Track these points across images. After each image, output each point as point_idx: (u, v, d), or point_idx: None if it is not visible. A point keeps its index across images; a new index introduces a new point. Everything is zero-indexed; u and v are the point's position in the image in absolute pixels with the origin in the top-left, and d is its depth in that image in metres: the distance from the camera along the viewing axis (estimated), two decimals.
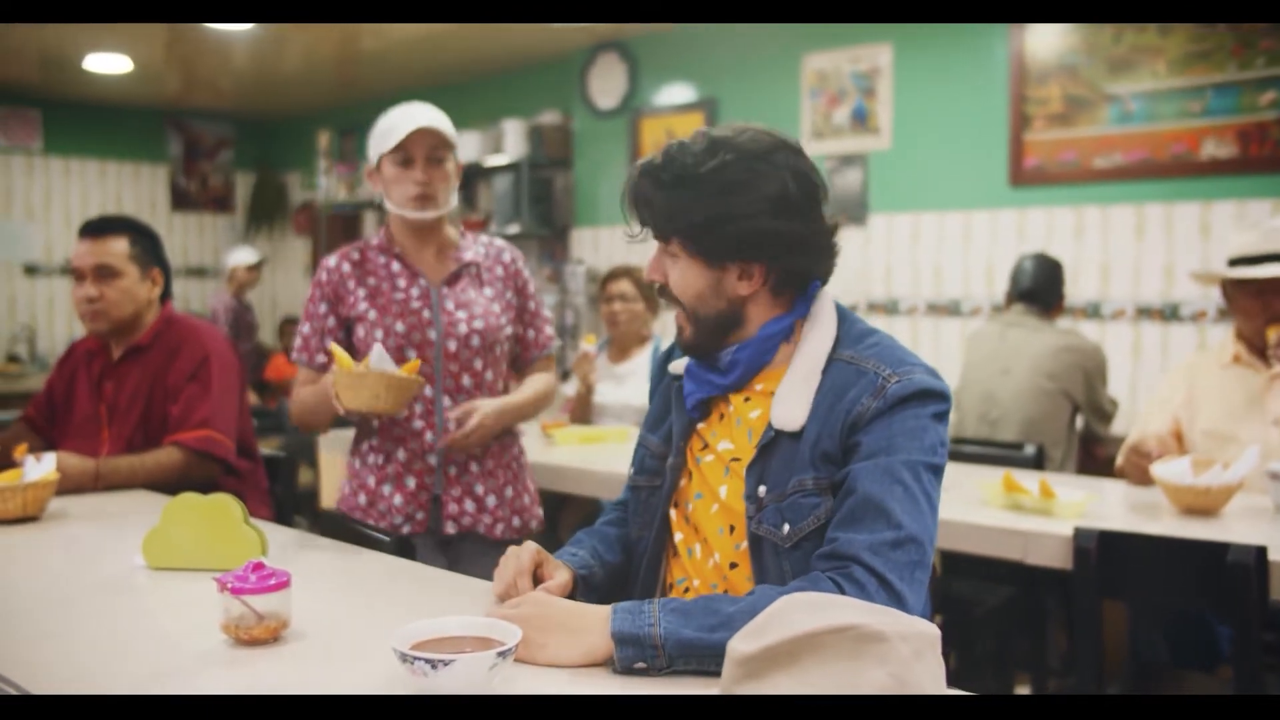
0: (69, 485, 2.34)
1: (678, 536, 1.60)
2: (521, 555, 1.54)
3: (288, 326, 7.31)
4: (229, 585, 1.38)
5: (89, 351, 2.80)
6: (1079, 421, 3.56)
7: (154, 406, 2.64)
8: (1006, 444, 3.29)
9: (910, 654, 0.94)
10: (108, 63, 6.53)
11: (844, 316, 1.55)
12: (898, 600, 1.31)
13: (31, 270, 7.63)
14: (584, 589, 1.58)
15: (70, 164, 7.89)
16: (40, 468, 2.23)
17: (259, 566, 1.42)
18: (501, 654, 1.16)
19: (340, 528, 2.15)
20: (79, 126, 7.87)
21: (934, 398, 1.43)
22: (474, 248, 2.51)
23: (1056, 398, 3.41)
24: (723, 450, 1.55)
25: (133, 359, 2.70)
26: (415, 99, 2.45)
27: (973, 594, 3.00)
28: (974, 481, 2.68)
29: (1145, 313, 4.27)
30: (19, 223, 7.64)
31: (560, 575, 1.54)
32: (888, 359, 1.45)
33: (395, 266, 2.42)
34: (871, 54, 5.00)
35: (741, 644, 0.96)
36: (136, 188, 8.24)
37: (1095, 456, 3.58)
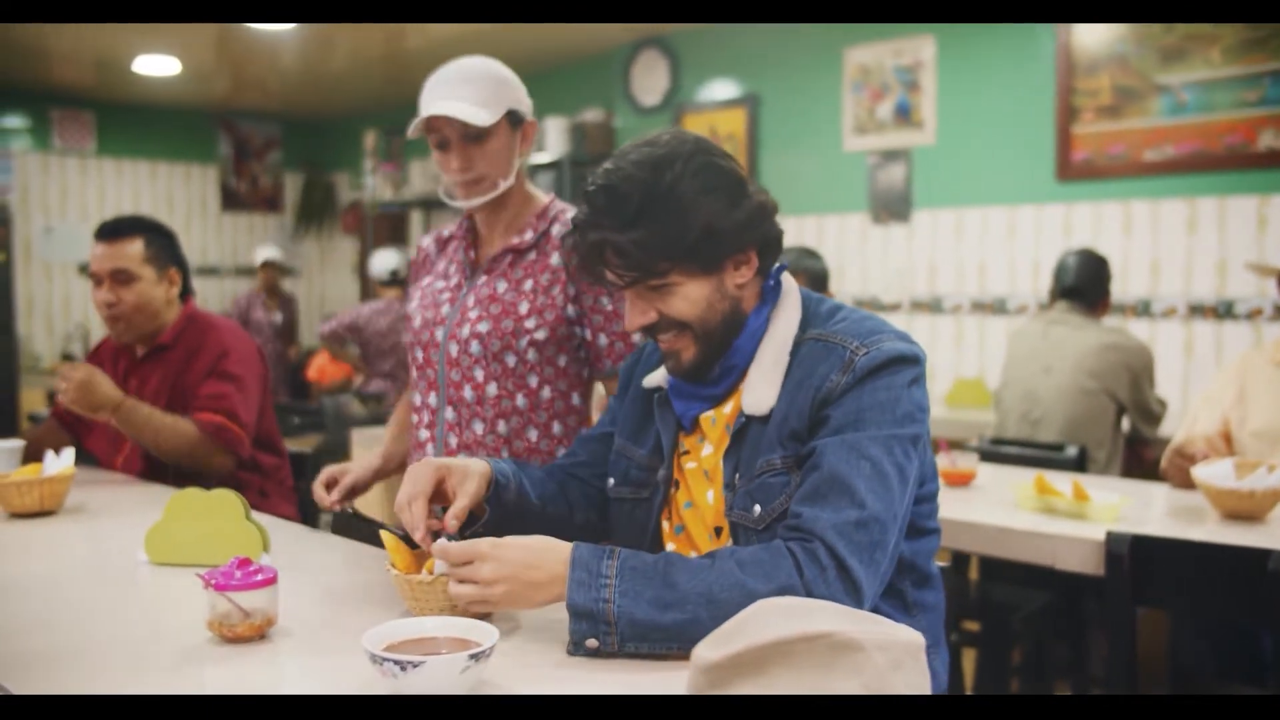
0: (94, 401, 2.36)
1: (669, 548, 1.56)
2: (419, 477, 1.47)
3: None
4: (214, 581, 1.36)
5: (114, 350, 2.82)
6: (1125, 423, 3.44)
7: (175, 404, 2.64)
8: (1047, 445, 3.19)
9: (887, 664, 0.88)
10: (156, 65, 6.63)
11: (808, 297, 1.52)
12: (853, 586, 1.27)
13: (85, 270, 7.76)
14: (493, 499, 1.55)
15: (123, 165, 8.02)
16: (59, 463, 2.23)
17: (245, 563, 1.39)
18: (474, 657, 1.12)
19: (350, 525, 2.12)
20: (131, 128, 8.01)
21: (906, 363, 1.39)
22: (543, 224, 2.04)
23: (1100, 398, 3.30)
24: (705, 456, 1.52)
25: (156, 357, 2.71)
26: None
27: (1011, 599, 2.91)
28: (1008, 483, 2.59)
29: (1198, 310, 4.13)
30: (73, 223, 7.79)
31: (468, 486, 1.49)
32: (855, 332, 1.42)
33: (455, 248, 2.14)
34: (914, 46, 4.90)
35: (707, 651, 0.91)
36: (187, 188, 8.36)
37: (1143, 459, 3.45)
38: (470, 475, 1.51)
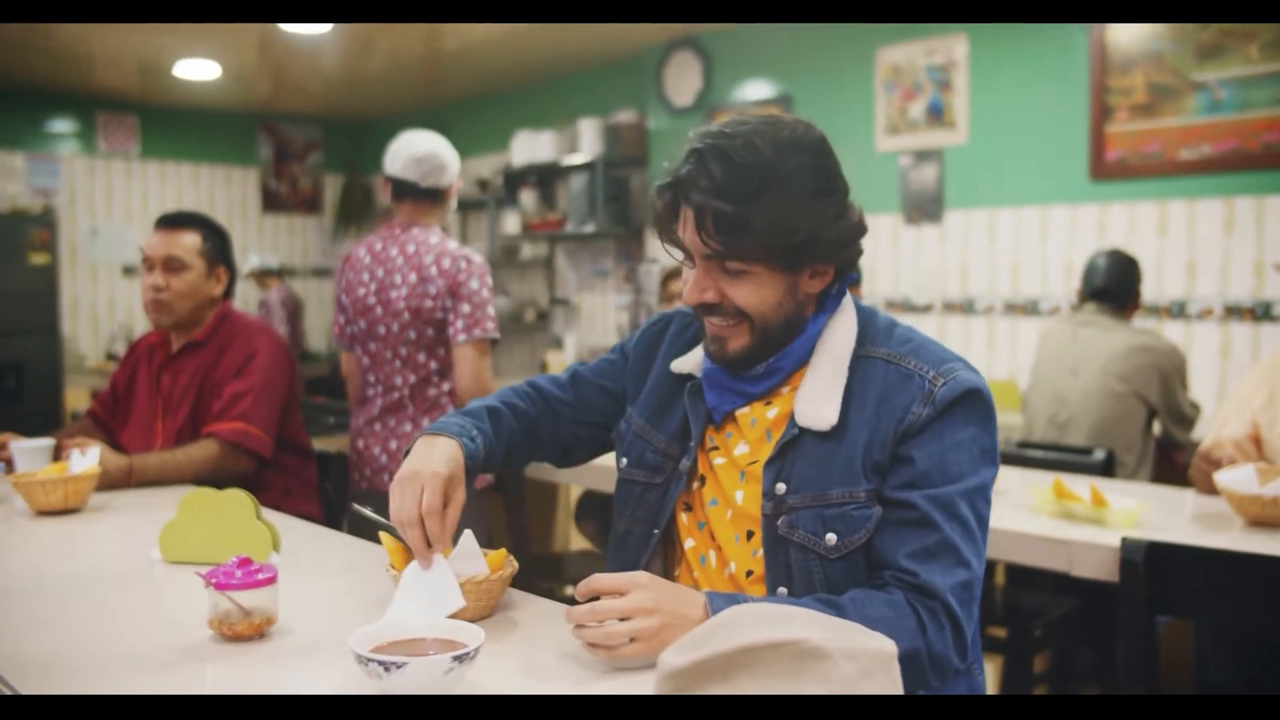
0: (105, 482, 2.38)
1: (688, 543, 1.53)
2: (434, 491, 1.38)
3: None
4: (214, 581, 1.38)
5: (149, 347, 2.87)
6: (1157, 426, 3.38)
7: (202, 401, 2.68)
8: (1075, 448, 3.14)
9: (855, 673, 0.87)
10: (197, 69, 6.73)
11: (860, 309, 1.50)
12: (962, 642, 1.33)
13: (130, 271, 7.91)
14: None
15: (166, 167, 8.16)
16: (84, 461, 2.27)
17: (246, 562, 1.41)
18: (457, 658, 1.12)
19: (365, 524, 2.14)
20: (174, 131, 8.15)
21: (981, 397, 1.39)
22: None
23: (1129, 400, 3.25)
24: (739, 455, 1.49)
25: (189, 354, 2.75)
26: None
27: (1037, 605, 2.88)
28: (1030, 488, 2.56)
29: (1234, 312, 4.05)
30: (118, 225, 7.93)
31: (460, 494, 1.44)
32: (928, 358, 1.41)
33: None
34: (947, 46, 4.86)
35: (673, 657, 0.91)
36: (229, 190, 8.49)
37: (1174, 463, 3.40)
38: (459, 481, 1.45)
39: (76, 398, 6.68)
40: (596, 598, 1.27)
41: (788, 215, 1.33)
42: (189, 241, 2.71)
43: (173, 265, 2.68)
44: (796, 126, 1.39)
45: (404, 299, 2.86)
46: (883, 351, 1.43)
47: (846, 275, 1.48)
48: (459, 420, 1.55)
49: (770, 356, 1.45)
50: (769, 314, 1.41)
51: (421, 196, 2.94)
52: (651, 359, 1.64)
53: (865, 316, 1.49)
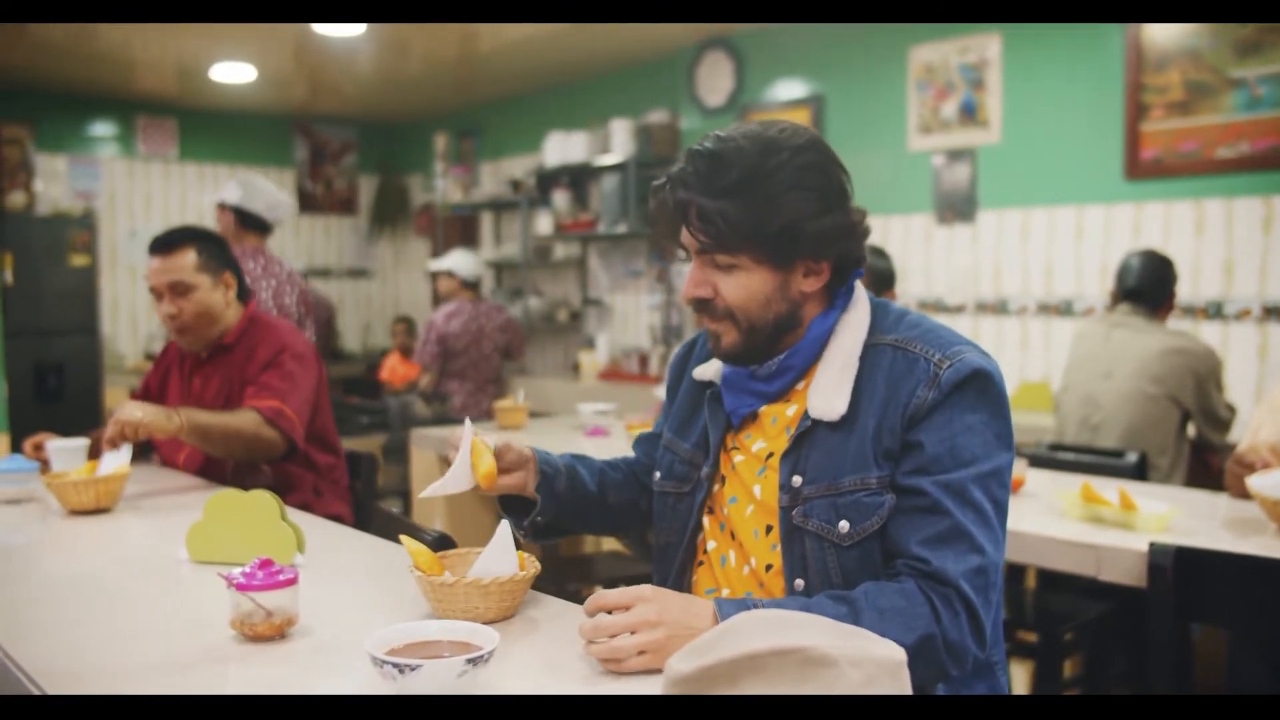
0: (161, 414, 2.37)
1: (710, 544, 1.55)
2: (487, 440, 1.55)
3: (397, 326, 7.46)
4: (236, 581, 1.40)
5: (180, 352, 2.91)
6: (1191, 428, 3.34)
7: (233, 403, 2.71)
8: (1107, 451, 3.11)
9: (861, 680, 0.87)
10: (233, 72, 6.81)
11: (874, 302, 1.52)
12: (978, 628, 1.32)
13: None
14: (543, 488, 1.61)
15: (204, 169, 8.26)
16: (115, 461, 2.31)
17: (267, 563, 1.43)
18: (471, 661, 1.13)
19: (387, 524, 2.16)
20: (211, 134, 8.25)
21: (989, 379, 1.39)
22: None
23: (1162, 403, 3.21)
24: (757, 450, 1.51)
25: (219, 358, 2.79)
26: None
27: (1069, 608, 2.85)
28: (1060, 491, 2.53)
29: (1273, 312, 3.98)
30: (156, 226, 8.03)
31: (510, 456, 1.57)
32: (934, 341, 1.42)
33: None
34: (980, 44, 4.81)
35: (679, 663, 0.91)
36: None
37: (1209, 466, 3.35)
38: (515, 450, 1.59)
39: (115, 397, 6.77)
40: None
41: (764, 207, 1.38)
42: (187, 261, 2.69)
43: (179, 289, 2.68)
44: (787, 129, 1.43)
45: (300, 303, 3.93)
46: (890, 338, 1.45)
47: (852, 272, 1.49)
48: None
49: (771, 354, 1.48)
50: (756, 311, 1.44)
51: (266, 230, 3.90)
52: (681, 379, 1.69)
53: (877, 308, 1.51)
